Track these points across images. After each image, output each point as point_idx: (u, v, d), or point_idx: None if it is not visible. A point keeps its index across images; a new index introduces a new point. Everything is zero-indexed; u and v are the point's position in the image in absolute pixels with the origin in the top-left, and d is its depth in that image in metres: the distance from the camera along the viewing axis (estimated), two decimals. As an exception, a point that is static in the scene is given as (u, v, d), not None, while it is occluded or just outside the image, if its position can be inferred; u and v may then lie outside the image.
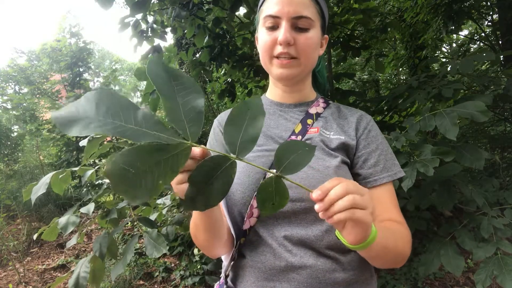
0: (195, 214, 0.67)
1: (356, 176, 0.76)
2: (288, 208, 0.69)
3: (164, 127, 0.37)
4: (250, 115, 0.46)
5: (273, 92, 0.87)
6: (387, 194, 0.75)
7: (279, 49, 0.73)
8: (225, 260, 0.80)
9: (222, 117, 0.90)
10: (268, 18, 0.73)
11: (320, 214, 0.50)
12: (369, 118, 0.83)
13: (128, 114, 0.34)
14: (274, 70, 0.76)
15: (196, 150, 0.45)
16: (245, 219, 0.71)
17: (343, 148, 0.76)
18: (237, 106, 0.47)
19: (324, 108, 0.84)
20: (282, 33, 0.71)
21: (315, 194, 0.49)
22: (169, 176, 0.35)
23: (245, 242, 0.73)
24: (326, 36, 0.83)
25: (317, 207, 0.49)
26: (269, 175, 0.54)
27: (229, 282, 0.76)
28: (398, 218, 0.72)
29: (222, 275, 0.78)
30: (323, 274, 0.68)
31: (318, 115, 0.81)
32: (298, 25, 0.72)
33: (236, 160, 0.43)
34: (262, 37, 0.76)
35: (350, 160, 0.77)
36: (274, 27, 0.74)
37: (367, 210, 0.50)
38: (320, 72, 0.93)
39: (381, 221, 0.71)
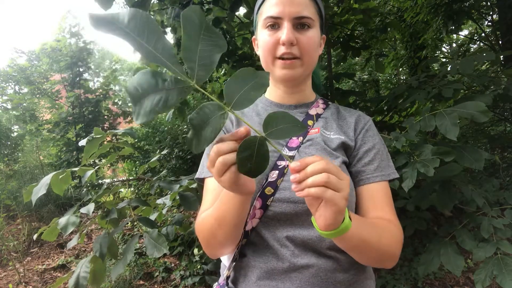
0: (229, 206, 0.63)
1: (350, 174, 0.76)
2: (290, 209, 0.69)
3: (177, 62, 0.40)
4: (256, 81, 0.46)
5: (273, 93, 0.86)
6: (379, 192, 0.74)
7: (282, 50, 0.72)
8: (225, 261, 0.80)
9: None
10: (269, 19, 0.73)
11: (293, 186, 0.50)
12: (367, 118, 0.83)
13: (151, 38, 0.39)
14: (277, 71, 0.76)
15: (241, 129, 0.50)
16: (247, 219, 0.70)
17: (343, 148, 0.77)
18: (247, 70, 0.47)
19: (324, 109, 0.84)
20: (285, 33, 0.71)
21: (293, 164, 0.50)
22: (162, 105, 0.39)
23: (247, 242, 0.72)
24: (323, 35, 0.83)
25: (292, 177, 0.50)
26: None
27: (230, 283, 0.76)
28: (389, 217, 0.71)
29: (223, 276, 0.78)
30: (325, 273, 0.68)
31: (318, 116, 0.81)
32: (299, 25, 0.73)
33: (228, 112, 0.45)
34: (264, 39, 0.75)
35: (348, 159, 0.78)
36: (275, 28, 0.74)
37: (340, 193, 0.49)
38: (315, 73, 0.93)
39: (368, 217, 0.70)
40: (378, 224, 0.67)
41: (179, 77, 0.40)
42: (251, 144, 0.48)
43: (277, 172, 0.71)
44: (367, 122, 0.81)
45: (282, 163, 0.72)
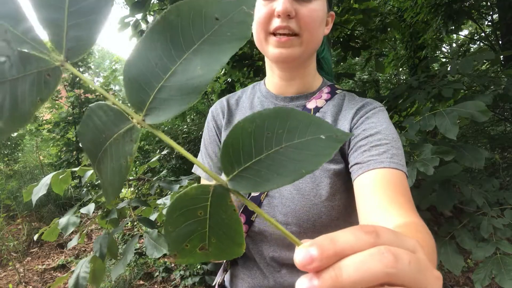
0: None
1: (349, 182, 0.61)
2: (273, 229, 0.62)
3: (42, 43, 0.20)
4: (215, 30, 0.20)
5: (270, 80, 0.73)
6: (395, 180, 0.53)
7: (276, 23, 0.59)
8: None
9: (216, 108, 0.77)
10: None
11: None
12: (373, 105, 0.65)
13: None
14: (270, 49, 0.61)
15: None
16: None
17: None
18: (184, 2, 0.20)
19: (327, 100, 0.68)
20: (281, 2, 0.57)
21: (301, 255, 0.21)
22: (8, 115, 0.19)
23: None
24: (332, 13, 0.68)
25: (302, 285, 0.21)
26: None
27: (227, 286, 0.76)
28: (413, 217, 0.48)
29: (217, 279, 0.77)
30: None
31: (317, 109, 0.68)
32: None
33: (137, 128, 0.21)
34: (257, 11, 0.61)
35: (347, 163, 0.63)
36: None
37: None
38: (325, 58, 0.78)
39: (402, 228, 0.44)
40: (425, 244, 0.42)
41: (30, 51, 0.19)
42: (195, 209, 0.22)
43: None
44: (371, 109, 0.64)
45: None
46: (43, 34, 0.20)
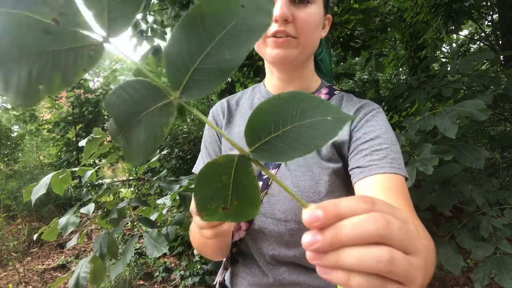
0: (210, 240, 0.61)
1: (349, 183, 0.63)
2: (273, 226, 0.63)
3: (87, 23, 0.22)
4: (240, 17, 0.22)
5: (269, 82, 0.75)
6: (395, 185, 0.55)
7: (274, 27, 0.60)
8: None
9: (217, 109, 0.78)
10: None
11: (309, 256, 0.25)
12: (371, 107, 0.67)
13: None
14: (268, 51, 0.63)
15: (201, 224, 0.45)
16: (234, 232, 0.68)
17: (336, 150, 0.65)
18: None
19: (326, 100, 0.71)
20: (278, 7, 0.59)
21: (309, 215, 0.24)
22: (48, 79, 0.21)
23: (237, 251, 0.71)
24: (329, 16, 0.71)
25: (306, 239, 0.25)
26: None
27: (228, 285, 0.76)
28: (417, 223, 0.53)
29: (218, 277, 0.78)
30: None
31: None
32: None
33: (174, 103, 0.24)
34: None
35: (346, 164, 0.64)
36: None
37: (414, 284, 0.25)
38: (323, 60, 0.80)
39: None
40: (421, 244, 0.42)
41: (71, 27, 0.21)
42: (221, 175, 0.26)
43: (260, 183, 0.65)
44: (370, 111, 0.66)
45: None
46: (87, 14, 0.23)
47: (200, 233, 0.51)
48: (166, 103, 0.24)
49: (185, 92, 0.23)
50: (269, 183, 0.65)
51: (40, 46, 0.21)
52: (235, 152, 0.26)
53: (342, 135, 0.65)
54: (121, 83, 0.24)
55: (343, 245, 0.24)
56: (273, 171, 0.65)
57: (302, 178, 0.63)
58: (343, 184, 0.65)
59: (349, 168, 0.63)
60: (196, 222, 0.50)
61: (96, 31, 0.22)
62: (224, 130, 0.75)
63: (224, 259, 0.76)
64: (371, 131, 0.62)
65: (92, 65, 0.22)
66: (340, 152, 0.65)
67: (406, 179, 0.60)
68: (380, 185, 0.55)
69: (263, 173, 0.61)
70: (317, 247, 0.24)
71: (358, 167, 0.60)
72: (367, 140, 0.61)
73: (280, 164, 0.64)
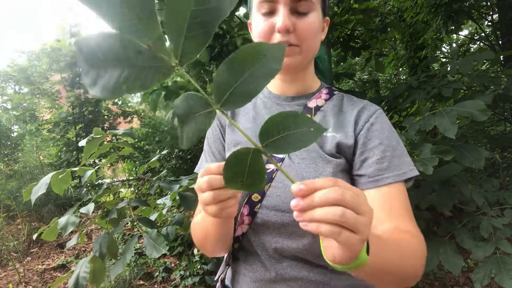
0: (210, 224, 0.63)
1: (353, 181, 0.68)
2: (277, 218, 0.65)
3: (158, 28, 0.30)
4: (262, 63, 0.34)
5: (271, 82, 0.78)
6: (394, 196, 0.62)
7: (277, 37, 0.64)
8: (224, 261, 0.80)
9: None
10: (263, 3, 0.65)
11: (295, 214, 0.40)
12: (373, 109, 0.70)
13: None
14: None
15: (212, 166, 0.48)
16: (236, 226, 0.68)
17: (339, 149, 0.67)
18: (249, 46, 0.34)
19: (326, 100, 0.73)
20: (280, 19, 0.62)
21: (295, 187, 0.39)
22: (133, 84, 0.30)
23: (239, 247, 0.71)
24: (327, 18, 0.73)
25: (293, 203, 0.40)
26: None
27: (228, 284, 0.76)
28: (409, 227, 0.60)
29: (218, 275, 0.77)
30: (316, 286, 0.64)
31: (318, 108, 0.72)
32: (297, 9, 0.64)
33: (215, 111, 0.36)
34: (257, 25, 0.67)
35: (349, 162, 0.68)
36: (270, 12, 0.65)
37: (359, 235, 0.38)
38: (320, 58, 0.84)
39: (385, 231, 0.58)
40: (400, 241, 0.55)
41: (157, 53, 0.30)
42: (242, 160, 0.40)
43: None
44: (372, 114, 0.69)
45: (270, 167, 0.67)
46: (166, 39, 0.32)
47: (205, 210, 0.51)
48: (210, 110, 0.36)
49: (224, 105, 0.36)
50: (273, 176, 0.67)
51: (133, 60, 0.30)
52: (238, 148, 0.40)
53: (347, 137, 0.68)
54: (186, 94, 0.36)
55: (315, 206, 0.39)
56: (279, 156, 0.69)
57: (306, 169, 0.65)
58: (346, 177, 0.67)
59: (354, 172, 0.67)
60: (202, 198, 0.50)
61: (172, 58, 0.31)
62: (227, 128, 0.77)
63: (225, 255, 0.75)
64: (375, 136, 0.66)
65: (164, 80, 0.32)
66: (344, 152, 0.68)
67: (411, 179, 0.65)
68: (383, 197, 0.63)
69: (267, 166, 0.67)
70: (300, 208, 0.39)
71: (364, 175, 0.65)
72: (372, 148, 0.65)
73: (284, 158, 0.67)
